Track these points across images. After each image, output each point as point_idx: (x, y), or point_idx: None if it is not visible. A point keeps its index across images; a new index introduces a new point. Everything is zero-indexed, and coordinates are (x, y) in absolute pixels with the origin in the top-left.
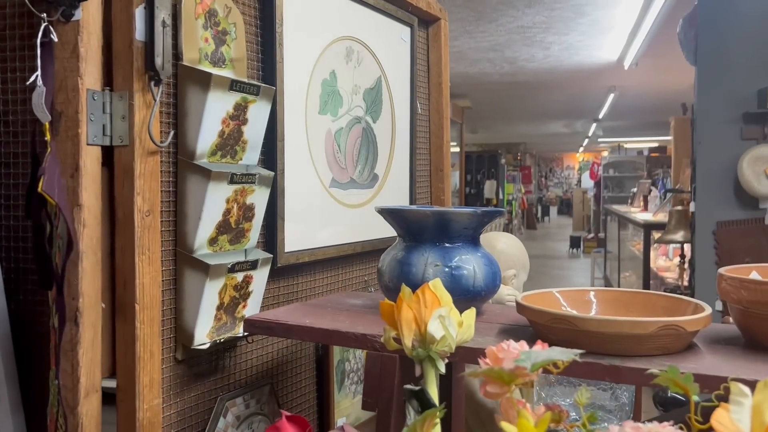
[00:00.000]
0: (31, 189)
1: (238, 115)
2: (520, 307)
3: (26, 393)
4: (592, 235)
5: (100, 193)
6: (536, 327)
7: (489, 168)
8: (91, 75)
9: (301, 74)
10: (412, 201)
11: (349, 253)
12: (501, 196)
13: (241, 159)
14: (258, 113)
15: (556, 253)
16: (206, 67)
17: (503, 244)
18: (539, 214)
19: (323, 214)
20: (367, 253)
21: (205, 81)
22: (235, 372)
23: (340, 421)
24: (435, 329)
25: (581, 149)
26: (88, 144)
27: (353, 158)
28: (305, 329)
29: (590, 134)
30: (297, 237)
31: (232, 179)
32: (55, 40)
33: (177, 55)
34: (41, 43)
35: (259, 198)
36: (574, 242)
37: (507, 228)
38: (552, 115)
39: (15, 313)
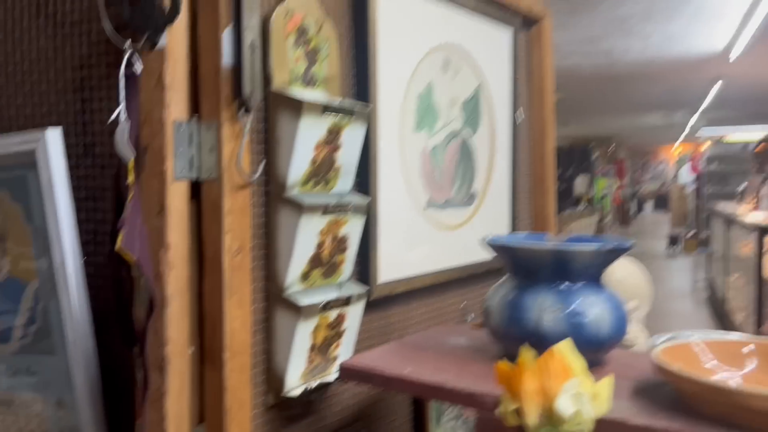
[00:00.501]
0: (113, 233)
1: (332, 140)
2: (662, 372)
3: None
4: (692, 233)
5: (187, 231)
6: (682, 394)
7: (580, 162)
8: (177, 105)
9: (395, 90)
10: (513, 219)
11: (446, 280)
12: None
13: (333, 187)
14: (352, 137)
15: (653, 251)
16: (297, 88)
17: (621, 273)
18: (633, 210)
19: (419, 238)
20: (464, 279)
21: (296, 107)
22: (327, 415)
23: None
24: (565, 407)
25: (679, 141)
26: (175, 179)
27: (451, 176)
28: (406, 382)
29: (690, 126)
30: (391, 266)
31: (326, 210)
32: (140, 69)
33: (266, 78)
34: (125, 73)
35: (353, 228)
36: (673, 240)
37: (600, 226)
38: (649, 107)
39: (104, 359)
